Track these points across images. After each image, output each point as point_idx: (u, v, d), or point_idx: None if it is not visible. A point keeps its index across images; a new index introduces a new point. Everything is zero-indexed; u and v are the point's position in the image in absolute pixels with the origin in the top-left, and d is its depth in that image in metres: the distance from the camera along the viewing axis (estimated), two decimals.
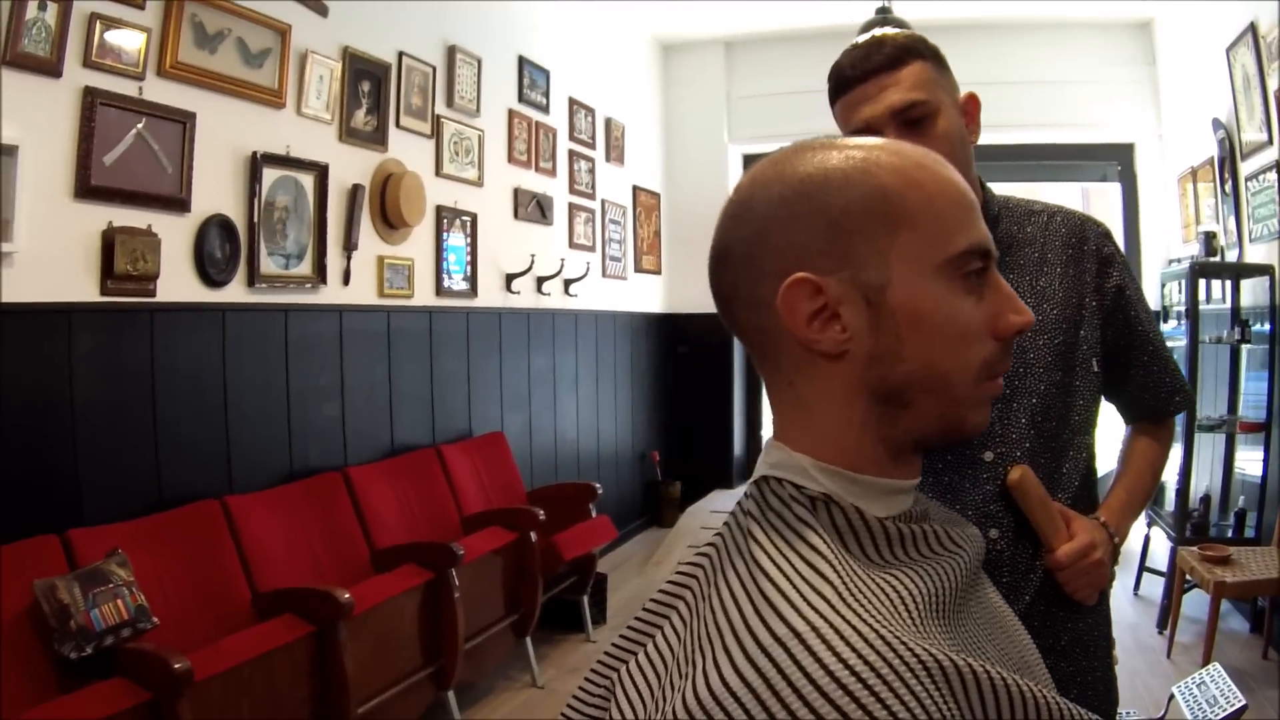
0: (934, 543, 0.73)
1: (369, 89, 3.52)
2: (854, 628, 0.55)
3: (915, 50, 1.36)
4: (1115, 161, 6.27)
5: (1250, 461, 4.34)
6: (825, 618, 0.57)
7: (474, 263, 4.24)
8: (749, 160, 6.78)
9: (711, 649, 0.60)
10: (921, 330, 0.68)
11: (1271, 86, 3.92)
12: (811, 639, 0.55)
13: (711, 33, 6.28)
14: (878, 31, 1.40)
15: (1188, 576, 3.73)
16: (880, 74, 1.33)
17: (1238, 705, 1.26)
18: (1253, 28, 4.05)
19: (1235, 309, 4.39)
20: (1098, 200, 8.59)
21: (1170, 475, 4.25)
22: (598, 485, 4.36)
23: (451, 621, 3.23)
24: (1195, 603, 3.96)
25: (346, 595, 2.70)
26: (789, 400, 0.72)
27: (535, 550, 3.75)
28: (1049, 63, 5.86)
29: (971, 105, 1.44)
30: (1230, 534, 4.24)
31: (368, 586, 2.94)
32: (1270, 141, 3.99)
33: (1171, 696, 1.85)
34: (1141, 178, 6.14)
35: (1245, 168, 4.34)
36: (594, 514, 4.32)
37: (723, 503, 6.15)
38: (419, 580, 3.16)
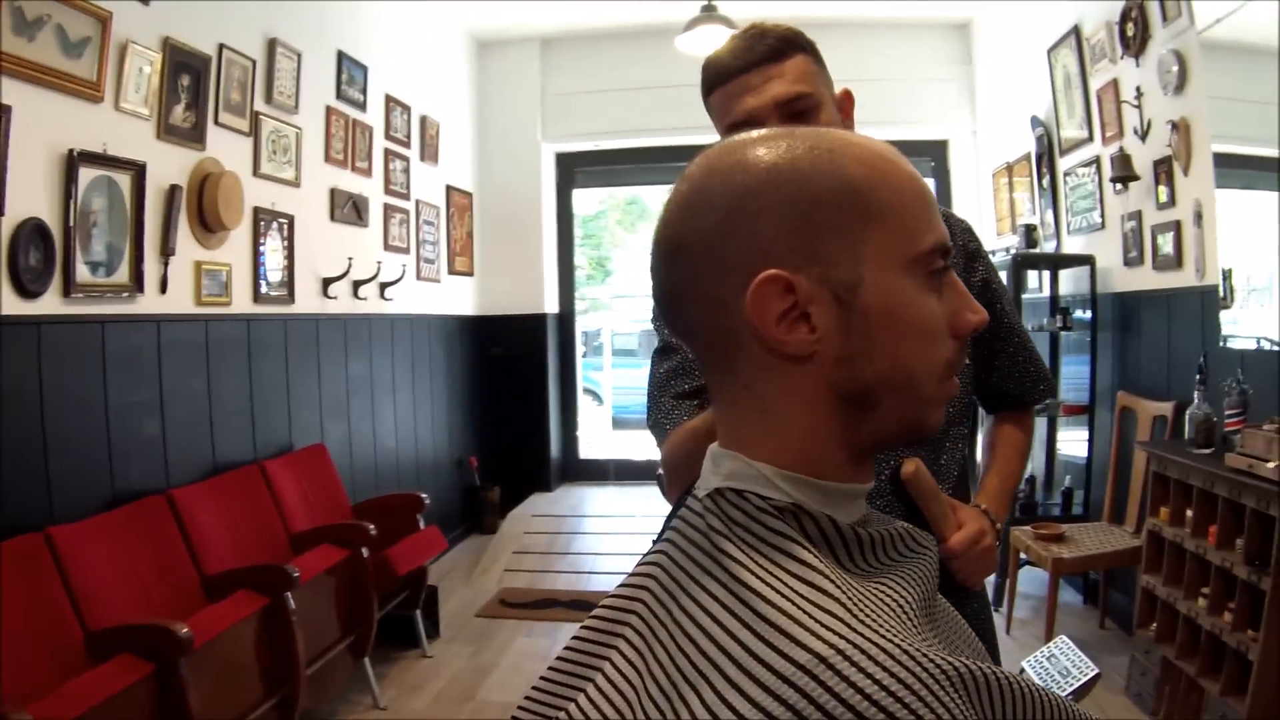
0: (901, 545, 0.72)
1: (188, 83, 3.27)
2: (877, 645, 0.54)
3: (797, 43, 1.37)
4: (929, 158, 6.68)
5: (1074, 442, 4.71)
6: (845, 638, 0.54)
7: (291, 267, 4.03)
8: (562, 159, 6.78)
9: (707, 682, 0.57)
10: (892, 330, 0.66)
11: (1094, 85, 4.30)
12: (839, 663, 0.52)
13: (528, 30, 6.23)
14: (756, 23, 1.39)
15: (1022, 555, 4.03)
16: (764, 65, 1.32)
17: (1091, 674, 1.36)
18: (1076, 30, 4.42)
19: (1054, 297, 4.77)
20: None
21: None
22: (424, 496, 4.25)
23: (291, 647, 3.07)
24: (1024, 580, 4.29)
25: (185, 629, 2.52)
26: (746, 405, 0.68)
27: (368, 567, 3.61)
28: (868, 61, 6.12)
29: (847, 101, 1.44)
30: (1058, 512, 4.59)
31: (204, 617, 2.75)
32: (1090, 138, 4.39)
33: (1023, 670, 2.00)
34: (955, 173, 6.57)
35: (1064, 163, 4.76)
36: (422, 525, 4.22)
37: (543, 506, 6.14)
38: (255, 606, 2.98)
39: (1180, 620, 2.97)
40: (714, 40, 4.71)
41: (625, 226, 12.74)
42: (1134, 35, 3.87)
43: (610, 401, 9.53)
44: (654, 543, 0.80)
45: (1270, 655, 2.44)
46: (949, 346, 0.69)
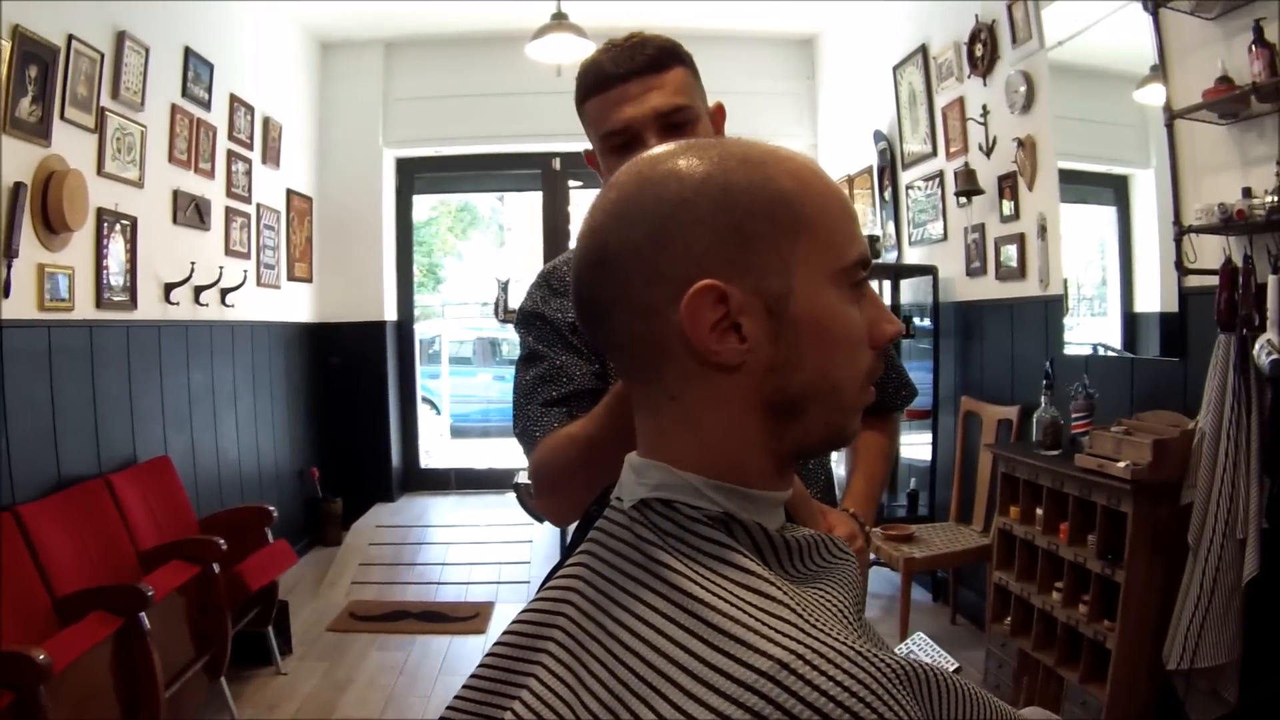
0: (825, 551, 0.73)
1: (36, 74, 3.08)
2: (832, 648, 0.55)
3: (677, 55, 1.36)
4: None
5: (918, 446, 4.91)
6: (801, 643, 0.55)
7: (134, 272, 3.83)
8: (403, 164, 6.68)
9: (659, 694, 0.57)
10: (820, 340, 0.67)
11: (939, 103, 4.58)
12: (800, 667, 0.53)
13: (372, 33, 6.11)
14: (633, 33, 1.38)
15: (871, 555, 4.22)
16: (644, 75, 1.30)
17: (953, 667, 1.47)
18: (924, 49, 4.69)
19: (895, 306, 4.96)
20: None
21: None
22: (272, 509, 4.13)
23: (149, 670, 2.94)
24: (872, 580, 4.51)
25: (43, 655, 2.39)
26: (671, 416, 0.68)
27: (220, 583, 3.49)
28: (714, 73, 6.27)
29: (719, 115, 1.45)
30: (903, 514, 4.78)
31: (60, 641, 2.61)
32: (934, 153, 4.67)
33: None
34: None
35: (906, 176, 5.02)
36: (271, 538, 4.10)
37: (386, 517, 6.03)
38: (110, 628, 2.84)
39: (1035, 614, 3.18)
40: (564, 48, 4.80)
41: (456, 234, 12.60)
42: (982, 56, 4.16)
43: (448, 410, 9.42)
44: (562, 555, 0.84)
45: (1127, 642, 2.69)
46: (868, 356, 0.71)
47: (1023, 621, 3.28)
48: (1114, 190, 3.83)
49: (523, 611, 0.74)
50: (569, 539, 0.93)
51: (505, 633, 0.74)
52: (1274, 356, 2.33)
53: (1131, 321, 3.70)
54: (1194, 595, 2.53)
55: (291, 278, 5.68)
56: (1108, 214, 3.83)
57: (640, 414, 0.71)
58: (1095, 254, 3.93)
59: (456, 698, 0.73)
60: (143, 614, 2.91)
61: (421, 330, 7.40)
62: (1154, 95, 3.29)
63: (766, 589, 0.60)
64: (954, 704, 0.63)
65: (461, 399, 9.74)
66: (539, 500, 1.33)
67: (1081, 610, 2.94)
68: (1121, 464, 2.73)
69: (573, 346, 1.38)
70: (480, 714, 0.71)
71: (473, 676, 0.73)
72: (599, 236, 0.69)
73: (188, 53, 4.27)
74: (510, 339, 10.59)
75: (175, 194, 4.20)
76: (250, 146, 5.01)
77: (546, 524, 5.82)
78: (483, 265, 12.01)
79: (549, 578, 1.48)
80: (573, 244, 1.43)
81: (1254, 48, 2.50)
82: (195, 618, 3.41)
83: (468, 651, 4.30)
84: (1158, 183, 3.50)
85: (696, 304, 0.64)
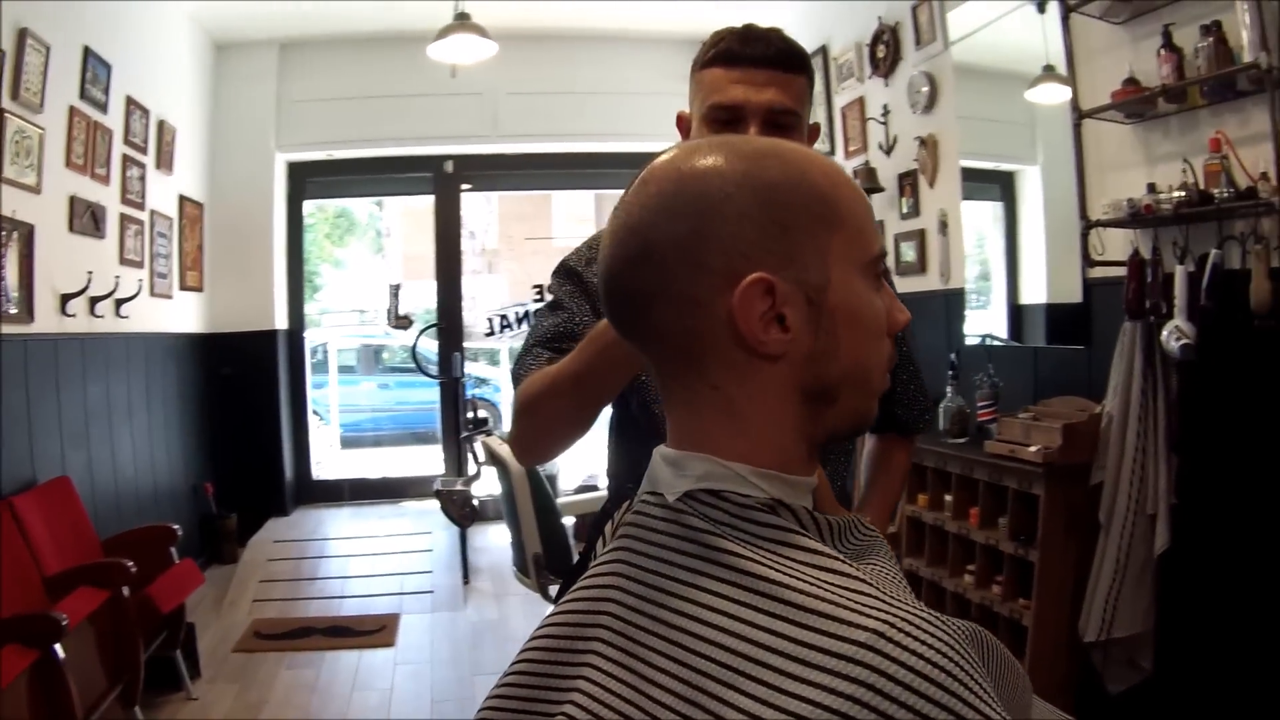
0: (858, 530, 0.75)
1: None
2: (917, 615, 0.58)
3: (806, 65, 1.38)
4: None
5: None
6: (887, 614, 0.58)
7: (30, 282, 3.65)
8: (294, 168, 6.51)
9: (750, 678, 0.59)
10: (854, 329, 0.70)
11: (838, 103, 4.72)
12: (894, 635, 0.56)
13: (267, 33, 5.93)
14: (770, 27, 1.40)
15: None
16: (773, 68, 1.33)
17: None
18: (824, 50, 4.82)
19: None
20: None
21: None
22: (177, 527, 4.00)
23: (66, 703, 2.83)
24: None
25: None
26: (713, 406, 0.69)
27: (131, 608, 3.37)
28: (609, 73, 6.39)
29: (814, 134, 1.47)
30: None
31: None
32: (831, 151, 4.82)
33: None
34: None
35: None
36: (177, 559, 3.96)
37: (283, 531, 5.88)
38: (26, 661, 2.71)
39: (948, 597, 3.34)
40: (466, 48, 4.79)
41: (334, 240, 12.30)
42: (884, 57, 4.33)
43: (336, 420, 9.20)
44: (591, 552, 0.87)
45: (1044, 618, 2.87)
46: (888, 343, 0.74)
47: (936, 606, 3.40)
48: (1000, 186, 4.05)
49: (555, 612, 0.74)
50: (584, 544, 0.94)
51: (539, 635, 0.74)
52: (1183, 341, 2.52)
53: (1018, 313, 3.93)
54: (1108, 570, 2.71)
55: (183, 287, 5.48)
56: (993, 209, 4.05)
57: (675, 406, 0.73)
58: (974, 249, 4.14)
59: (492, 699, 0.73)
60: (57, 645, 2.79)
61: (308, 339, 7.24)
62: (1045, 94, 3.51)
63: (837, 566, 0.63)
64: (996, 659, 0.69)
65: (346, 408, 9.53)
66: (512, 430, 1.38)
67: (995, 591, 3.09)
68: (1033, 448, 2.87)
69: (597, 311, 1.40)
70: (525, 719, 0.71)
71: (507, 681, 0.73)
72: (640, 231, 0.70)
73: (87, 52, 4.08)
74: (399, 344, 10.41)
75: (72, 200, 4.01)
76: (145, 151, 4.81)
77: (444, 533, 5.79)
78: (361, 272, 11.78)
79: (570, 581, 1.49)
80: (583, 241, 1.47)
81: (1163, 51, 2.68)
82: (107, 645, 3.28)
83: (378, 665, 4.25)
84: (1044, 179, 3.72)
85: (748, 296, 0.66)
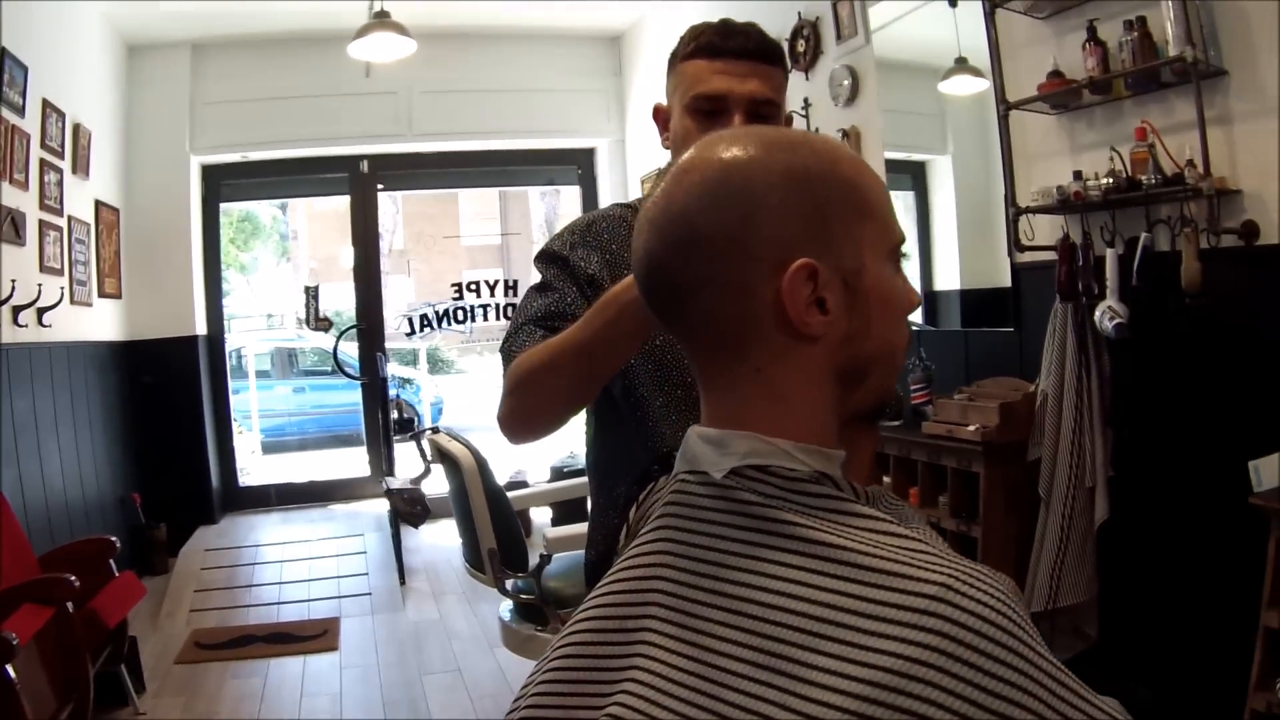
0: (888, 498, 0.79)
1: None
2: (971, 569, 0.62)
3: (783, 59, 1.44)
4: (576, 165, 7.05)
5: None
6: (948, 569, 0.62)
7: None
8: (209, 171, 6.38)
9: (825, 640, 0.61)
10: (884, 311, 0.74)
11: None
12: (960, 586, 0.60)
13: (179, 34, 5.81)
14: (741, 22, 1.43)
15: None
16: (754, 59, 1.38)
17: None
18: None
19: None
20: (567, 201, 9.19)
21: None
22: (115, 539, 3.92)
23: None
24: None
25: None
26: (755, 389, 0.73)
27: (77, 624, 3.30)
28: (524, 70, 6.43)
29: (788, 124, 1.57)
30: None
31: None
32: None
33: None
34: (600, 180, 6.98)
35: None
36: (116, 571, 3.88)
37: (213, 539, 5.79)
38: None
39: None
40: (385, 47, 4.79)
41: (239, 245, 12.00)
42: (804, 51, 4.43)
43: (258, 425, 9.01)
44: (625, 533, 0.84)
45: None
46: (908, 324, 0.79)
47: None
48: (911, 176, 4.20)
49: (597, 596, 0.75)
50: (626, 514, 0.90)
51: (582, 619, 0.74)
52: (1117, 321, 2.67)
53: (932, 299, 4.08)
54: (1051, 542, 2.85)
55: (102, 294, 5.33)
56: (904, 199, 4.18)
57: (713, 389, 0.75)
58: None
59: (538, 687, 0.73)
60: (7, 665, 2.74)
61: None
62: (957, 86, 3.66)
63: (893, 529, 0.67)
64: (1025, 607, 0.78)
65: (265, 413, 9.34)
66: (503, 405, 1.38)
67: None
68: (971, 428, 3.00)
69: (585, 295, 1.44)
70: (577, 701, 0.71)
71: (552, 666, 0.73)
72: (687, 218, 0.72)
73: (3, 54, 3.95)
74: (312, 347, 10.24)
75: None
76: (62, 155, 4.67)
77: (375, 535, 5.76)
78: (267, 276, 11.53)
79: (597, 564, 1.51)
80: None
81: (1088, 45, 2.83)
82: (54, 663, 3.21)
83: (324, 670, 4.23)
84: (955, 168, 3.88)
85: (795, 281, 0.69)
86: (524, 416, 1.38)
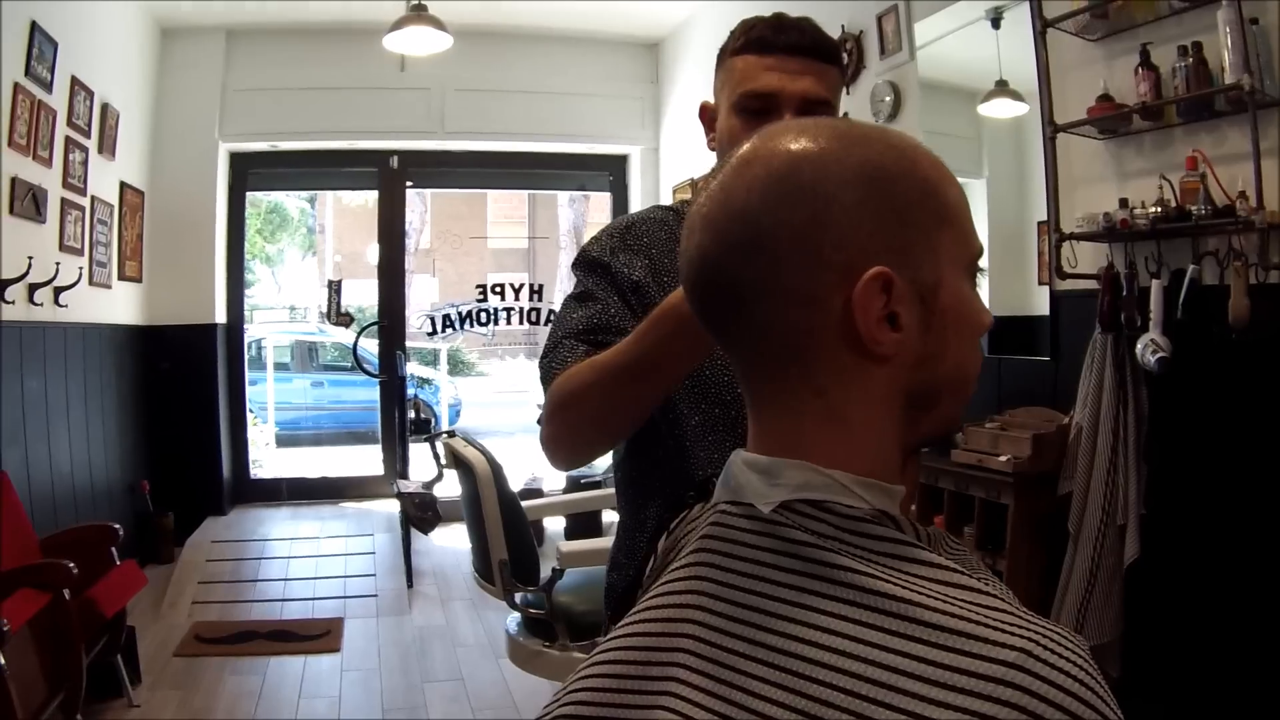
0: (949, 541, 0.71)
1: None
2: (1053, 630, 0.56)
3: (839, 57, 1.36)
4: (608, 172, 6.96)
5: None
6: (1028, 631, 0.55)
7: None
8: (237, 159, 6.33)
9: (879, 705, 0.54)
10: (961, 331, 0.66)
11: None
12: (1042, 653, 0.54)
13: (215, 18, 5.75)
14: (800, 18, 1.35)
15: None
16: (809, 57, 1.29)
17: None
18: None
19: None
20: (596, 208, 9.19)
21: None
22: (118, 526, 3.84)
23: (8, 714, 2.68)
24: None
25: None
26: (816, 412, 0.64)
27: (73, 611, 3.22)
28: (560, 73, 6.36)
29: None
30: None
31: None
32: None
33: None
34: (632, 188, 6.88)
35: None
36: (118, 559, 3.80)
37: (221, 531, 5.72)
38: None
39: None
40: (419, 41, 4.72)
41: (265, 236, 12.00)
42: (847, 65, 4.34)
43: (273, 418, 8.97)
44: (648, 569, 0.78)
45: None
46: (980, 347, 0.71)
47: None
48: None
49: (620, 635, 0.66)
50: (641, 554, 0.84)
51: (601, 660, 0.65)
52: (1160, 355, 2.55)
53: None
54: (1078, 579, 2.74)
55: (122, 277, 5.28)
56: None
57: (764, 408, 0.67)
58: None
59: None
60: None
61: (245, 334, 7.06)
62: (996, 109, 3.55)
63: (964, 581, 0.59)
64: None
65: (281, 406, 9.31)
66: (546, 429, 1.29)
67: None
68: (1002, 458, 2.88)
69: (629, 303, 1.35)
70: None
71: (562, 714, 0.64)
72: (748, 217, 0.64)
73: (34, 28, 3.90)
74: (333, 342, 10.22)
75: (14, 181, 3.83)
76: (88, 134, 4.63)
77: (385, 535, 5.67)
78: (292, 269, 11.52)
79: (622, 592, 1.40)
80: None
81: (1140, 70, 2.73)
82: (47, 651, 3.13)
83: (325, 671, 4.14)
84: (989, 192, 3.77)
85: (869, 292, 0.61)
86: (570, 441, 1.29)
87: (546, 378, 1.30)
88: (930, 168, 0.67)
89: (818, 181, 0.63)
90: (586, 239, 1.47)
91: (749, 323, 0.65)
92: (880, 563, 0.59)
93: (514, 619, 3.03)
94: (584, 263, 1.42)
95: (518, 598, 2.96)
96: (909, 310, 0.63)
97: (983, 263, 0.71)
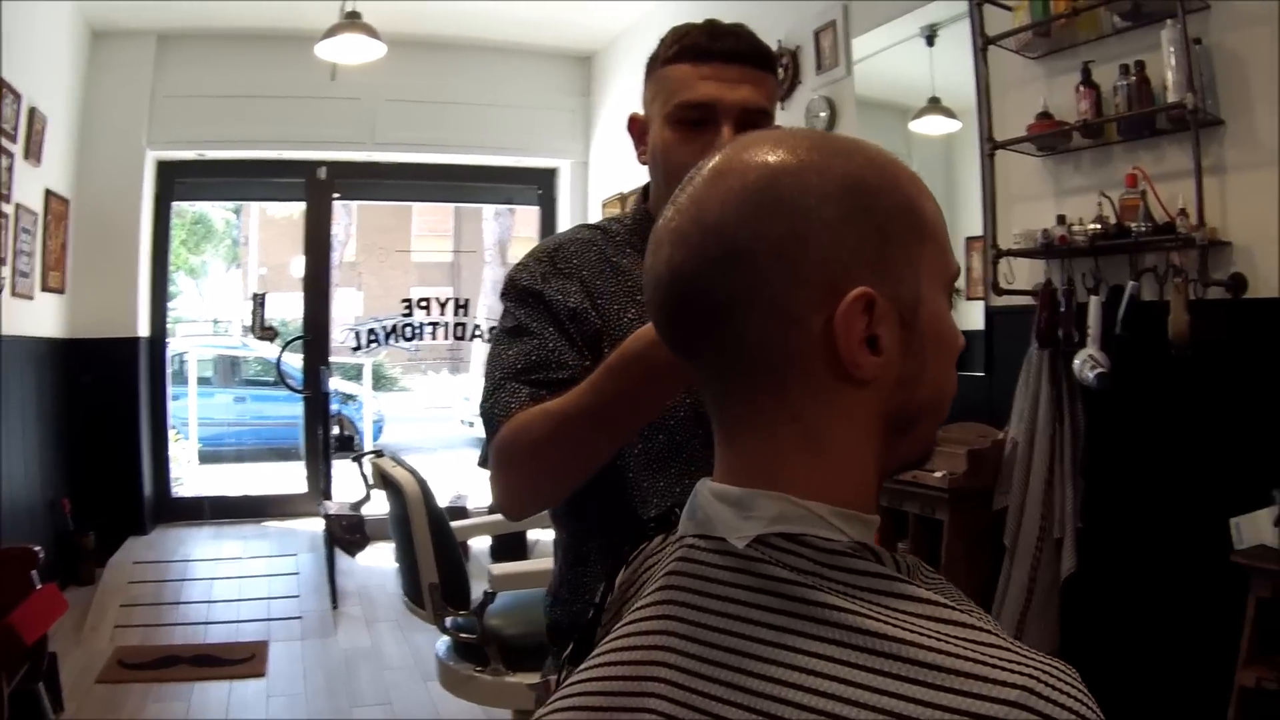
0: (924, 570, 0.69)
1: None
2: (1051, 664, 0.55)
3: (775, 64, 1.31)
4: (536, 185, 6.95)
5: None
6: (1027, 667, 0.54)
7: None
8: (164, 167, 6.19)
9: None
10: (939, 352, 0.64)
11: None
12: (1043, 690, 0.52)
13: (146, 22, 5.61)
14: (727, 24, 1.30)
15: None
16: (746, 64, 1.24)
17: None
18: None
19: None
20: (523, 222, 9.06)
21: None
22: (39, 549, 3.70)
23: None
24: None
25: None
26: (792, 438, 0.61)
27: None
28: (490, 85, 6.34)
29: None
30: None
31: None
32: None
33: None
34: (560, 201, 6.89)
35: None
36: (38, 583, 3.66)
37: (142, 551, 5.55)
38: None
39: None
40: (353, 49, 4.69)
41: (190, 247, 11.72)
42: (783, 80, 4.39)
43: (195, 434, 8.72)
44: (603, 600, 0.75)
45: None
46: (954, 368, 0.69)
47: None
48: None
49: (582, 678, 0.63)
50: (599, 589, 0.79)
51: (563, 704, 0.62)
52: (1098, 370, 2.61)
53: None
54: (1015, 592, 2.80)
55: (45, 288, 5.10)
56: None
57: (735, 435, 0.64)
58: None
59: None
60: None
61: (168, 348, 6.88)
62: (928, 126, 3.63)
63: (954, 616, 0.57)
64: None
65: (203, 422, 9.06)
66: (498, 480, 1.23)
67: None
68: (937, 474, 2.92)
69: (567, 333, 1.27)
70: None
71: None
72: (725, 231, 0.60)
73: None
74: (256, 357, 10.00)
75: None
76: (14, 139, 4.47)
77: (308, 555, 5.55)
78: (216, 282, 11.27)
79: (566, 628, 1.34)
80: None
81: (1081, 87, 2.80)
82: None
83: (250, 697, 4.03)
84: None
85: (852, 313, 0.59)
86: (527, 494, 1.23)
87: (491, 425, 1.23)
88: (909, 182, 0.64)
89: (797, 195, 0.60)
90: (512, 254, 1.42)
91: (723, 340, 0.62)
92: (865, 599, 0.57)
93: (444, 642, 2.94)
94: (514, 293, 1.32)
95: (448, 621, 2.88)
96: (890, 332, 0.60)
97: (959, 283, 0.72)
